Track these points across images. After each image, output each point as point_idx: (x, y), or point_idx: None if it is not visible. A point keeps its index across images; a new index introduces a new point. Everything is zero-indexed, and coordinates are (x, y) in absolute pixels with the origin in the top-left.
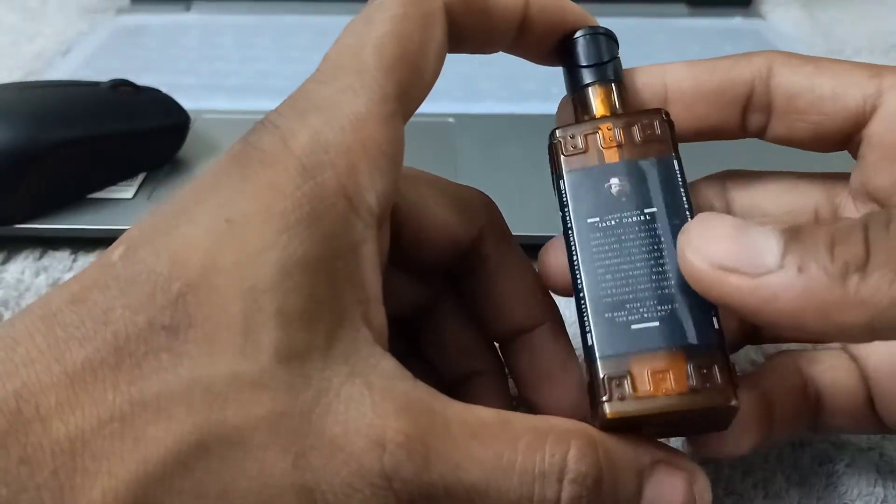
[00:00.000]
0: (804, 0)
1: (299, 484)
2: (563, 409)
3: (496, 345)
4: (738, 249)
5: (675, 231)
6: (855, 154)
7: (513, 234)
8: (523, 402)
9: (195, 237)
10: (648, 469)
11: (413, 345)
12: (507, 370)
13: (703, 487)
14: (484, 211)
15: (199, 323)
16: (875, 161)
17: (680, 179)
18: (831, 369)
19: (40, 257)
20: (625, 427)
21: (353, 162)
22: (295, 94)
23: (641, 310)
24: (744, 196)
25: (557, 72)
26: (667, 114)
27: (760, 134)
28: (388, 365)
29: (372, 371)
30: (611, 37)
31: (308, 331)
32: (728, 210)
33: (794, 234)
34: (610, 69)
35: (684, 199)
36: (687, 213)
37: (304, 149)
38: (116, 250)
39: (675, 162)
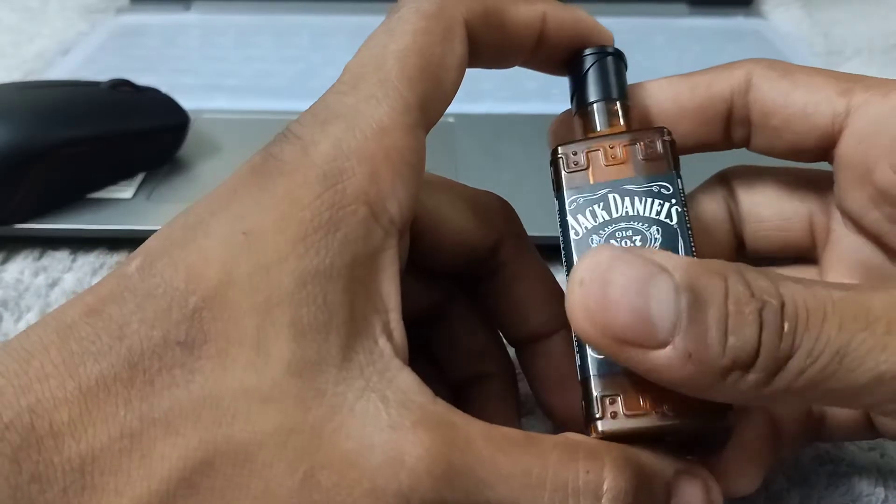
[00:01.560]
0: (804, 0)
1: None
2: (580, 414)
3: (510, 348)
4: (633, 322)
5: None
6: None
7: None
8: (540, 408)
9: (212, 250)
10: (673, 480)
11: (420, 344)
12: (522, 374)
13: (717, 494)
14: (502, 217)
15: (213, 338)
16: (845, 182)
17: (677, 200)
18: None
19: (40, 257)
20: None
21: (375, 169)
22: (316, 104)
23: None
24: (746, 198)
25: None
26: (668, 132)
27: (745, 145)
28: (407, 379)
29: (388, 385)
30: (619, 56)
31: (322, 342)
32: (735, 211)
33: (691, 305)
34: (615, 88)
35: (681, 219)
36: (679, 234)
37: (325, 156)
38: (134, 262)
39: (678, 181)
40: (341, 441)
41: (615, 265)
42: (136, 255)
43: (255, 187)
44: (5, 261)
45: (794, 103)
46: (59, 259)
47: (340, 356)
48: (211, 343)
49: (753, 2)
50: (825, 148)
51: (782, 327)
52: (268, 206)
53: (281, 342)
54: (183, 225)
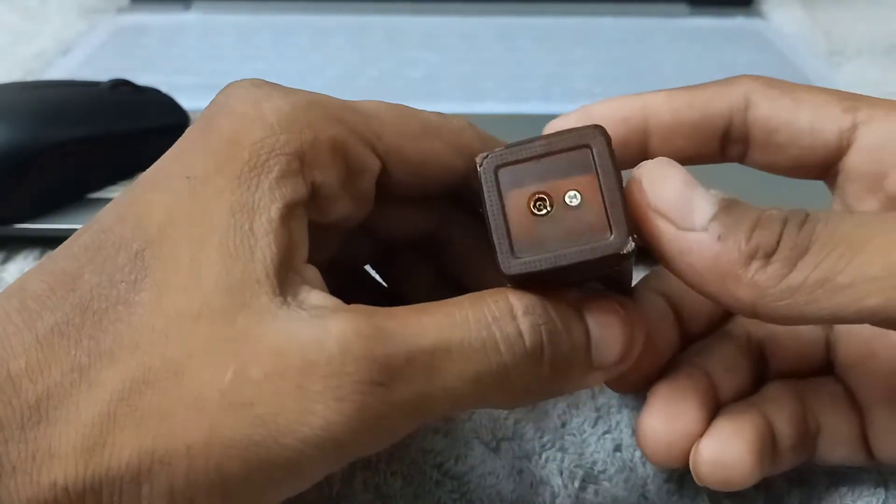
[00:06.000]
0: (804, 0)
1: (237, 402)
2: None
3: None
4: (677, 200)
5: None
6: (832, 184)
7: None
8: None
9: (158, 199)
10: (584, 300)
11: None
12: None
13: (633, 312)
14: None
15: (152, 272)
16: (854, 192)
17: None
18: (830, 400)
19: (40, 257)
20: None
21: (317, 138)
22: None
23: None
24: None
25: (558, 72)
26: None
27: (740, 160)
28: (323, 294)
29: (307, 297)
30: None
31: (247, 263)
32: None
33: (728, 206)
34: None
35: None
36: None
37: (276, 112)
38: (88, 225)
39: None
40: (267, 338)
41: (671, 164)
42: (91, 220)
43: (201, 131)
44: (5, 261)
45: (799, 120)
46: None
47: (264, 274)
48: (150, 277)
49: (753, 2)
50: (828, 163)
51: (804, 222)
52: (212, 147)
53: (211, 265)
54: (135, 184)
